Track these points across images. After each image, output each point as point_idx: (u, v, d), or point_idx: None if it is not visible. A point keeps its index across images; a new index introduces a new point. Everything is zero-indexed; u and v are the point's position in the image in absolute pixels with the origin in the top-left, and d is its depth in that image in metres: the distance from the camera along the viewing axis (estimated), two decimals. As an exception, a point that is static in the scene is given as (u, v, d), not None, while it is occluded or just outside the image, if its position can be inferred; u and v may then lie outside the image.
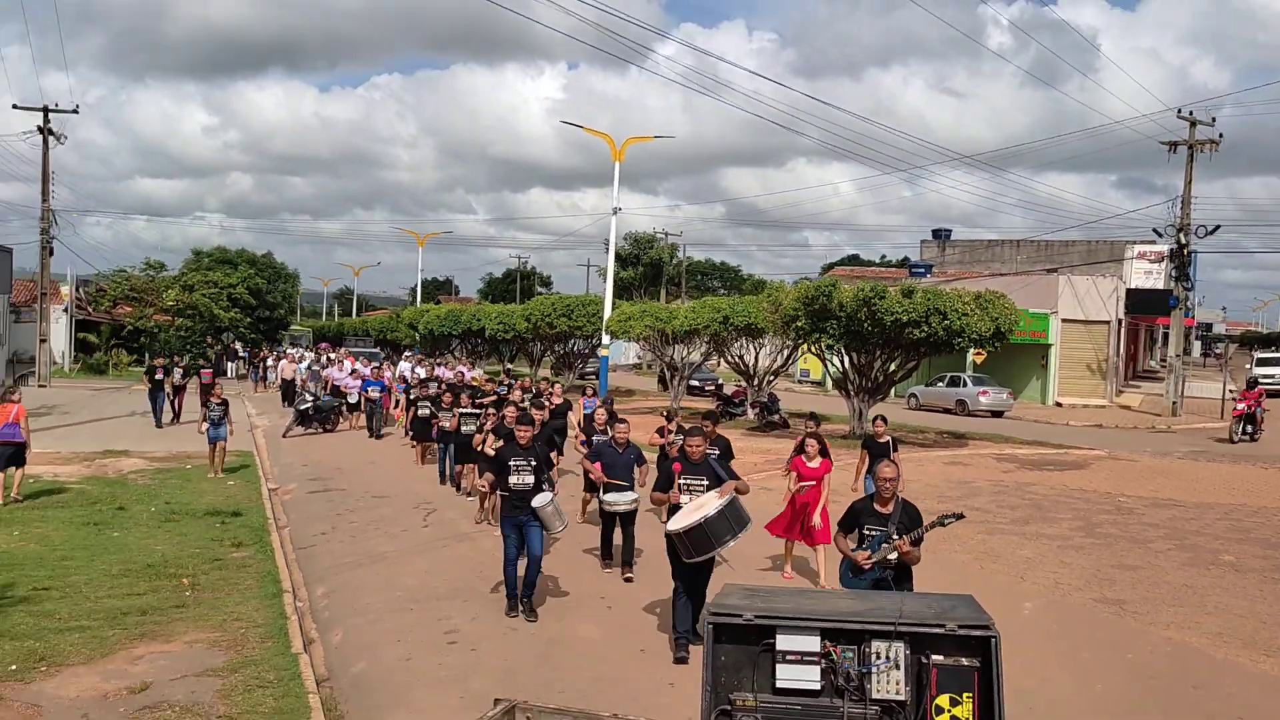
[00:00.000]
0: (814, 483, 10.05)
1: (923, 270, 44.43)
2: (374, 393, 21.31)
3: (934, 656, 3.90)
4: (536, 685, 7.31)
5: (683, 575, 7.81)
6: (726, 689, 4.05)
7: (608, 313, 33.84)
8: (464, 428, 14.48)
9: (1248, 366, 43.40)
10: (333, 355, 34.65)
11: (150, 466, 17.60)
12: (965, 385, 32.18)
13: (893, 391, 25.99)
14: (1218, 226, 31.85)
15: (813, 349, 22.86)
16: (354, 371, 24.14)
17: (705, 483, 7.99)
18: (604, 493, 10.16)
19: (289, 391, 28.54)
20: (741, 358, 26.14)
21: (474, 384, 19.01)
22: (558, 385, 15.84)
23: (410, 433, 18.15)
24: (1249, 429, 24.31)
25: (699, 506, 7.52)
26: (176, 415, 24.37)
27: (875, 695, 3.92)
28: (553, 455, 12.25)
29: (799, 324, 20.95)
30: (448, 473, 15.76)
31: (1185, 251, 32.10)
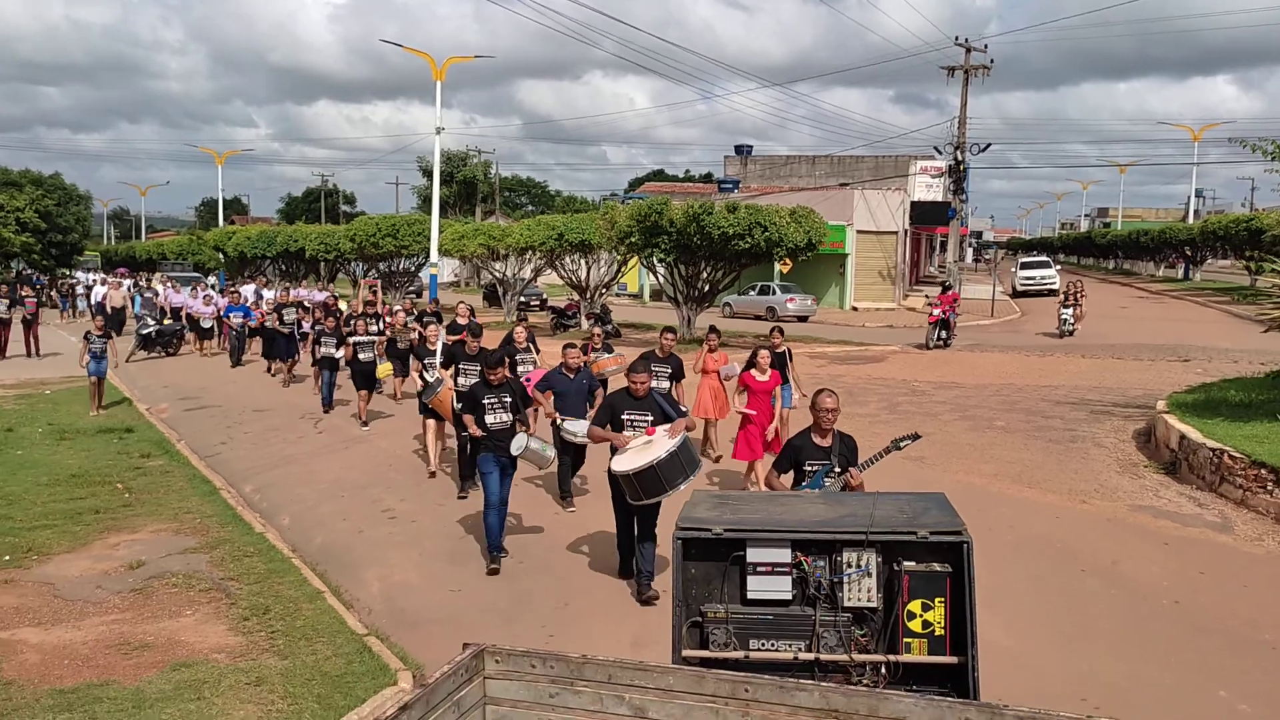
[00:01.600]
0: (765, 396, 10.07)
1: (731, 186, 47.00)
2: (236, 319, 21.29)
3: (905, 563, 3.95)
4: (481, 540, 8.96)
5: (626, 514, 7.55)
6: (697, 601, 4.09)
7: (435, 232, 34.56)
8: (361, 354, 14.23)
9: (1013, 270, 48.71)
10: (146, 281, 33.84)
11: (9, 394, 17.68)
12: (774, 293, 35.01)
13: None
14: (989, 144, 35.81)
15: (644, 262, 24.72)
16: (207, 296, 24.13)
17: (650, 418, 7.58)
18: (562, 421, 9.65)
19: (118, 319, 28.07)
20: (574, 273, 27.75)
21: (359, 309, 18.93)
22: (461, 304, 15.04)
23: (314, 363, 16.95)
24: (943, 335, 24.20)
25: (647, 445, 7.15)
26: (36, 349, 23.44)
27: (847, 603, 3.97)
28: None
29: (633, 239, 22.76)
30: (331, 399, 15.52)
31: (961, 167, 35.89)
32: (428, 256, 37.21)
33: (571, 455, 9.98)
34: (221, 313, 22.40)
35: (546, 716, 3.48)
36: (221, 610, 7.50)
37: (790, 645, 4.01)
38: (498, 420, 8.29)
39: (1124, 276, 61.67)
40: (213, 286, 31.06)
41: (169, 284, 28.62)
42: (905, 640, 3.94)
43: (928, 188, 47.86)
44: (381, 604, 7.70)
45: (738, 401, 10.27)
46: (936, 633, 3.93)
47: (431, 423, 11.43)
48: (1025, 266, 46.99)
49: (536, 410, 10.08)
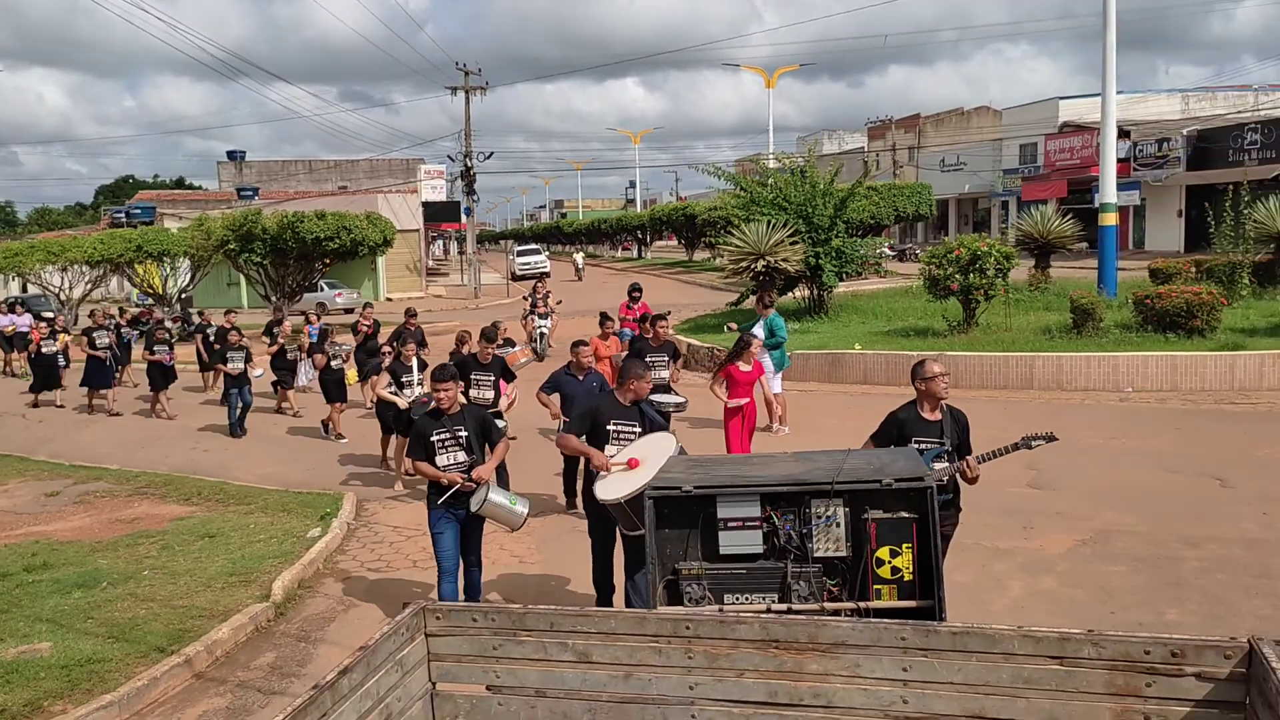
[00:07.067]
0: (749, 388, 9.67)
1: (250, 193, 49.21)
2: None
3: (872, 511, 4.05)
4: (308, 447, 13.13)
5: (606, 545, 6.58)
6: (672, 559, 4.20)
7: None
8: (333, 363, 13.88)
9: (510, 257, 56.71)
10: None
11: None
12: (323, 290, 38.89)
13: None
14: (493, 153, 42.70)
15: (237, 265, 27.72)
16: None
17: (637, 429, 6.54)
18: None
19: None
20: (147, 281, 29.58)
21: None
22: (369, 309, 15.50)
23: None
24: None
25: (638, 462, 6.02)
26: None
27: (817, 554, 4.09)
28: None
29: (230, 246, 25.89)
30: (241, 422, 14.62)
31: (471, 173, 42.47)
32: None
33: (578, 460, 8.74)
34: None
35: (491, 669, 3.50)
36: (161, 501, 10.99)
37: (764, 598, 4.14)
38: (451, 462, 6.63)
39: (592, 259, 73.17)
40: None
41: None
42: (875, 587, 4.07)
43: (433, 189, 54.16)
44: (269, 483, 11.66)
45: (719, 392, 9.67)
46: (905, 578, 4.05)
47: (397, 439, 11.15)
48: (521, 254, 55.22)
49: (510, 402, 10.12)
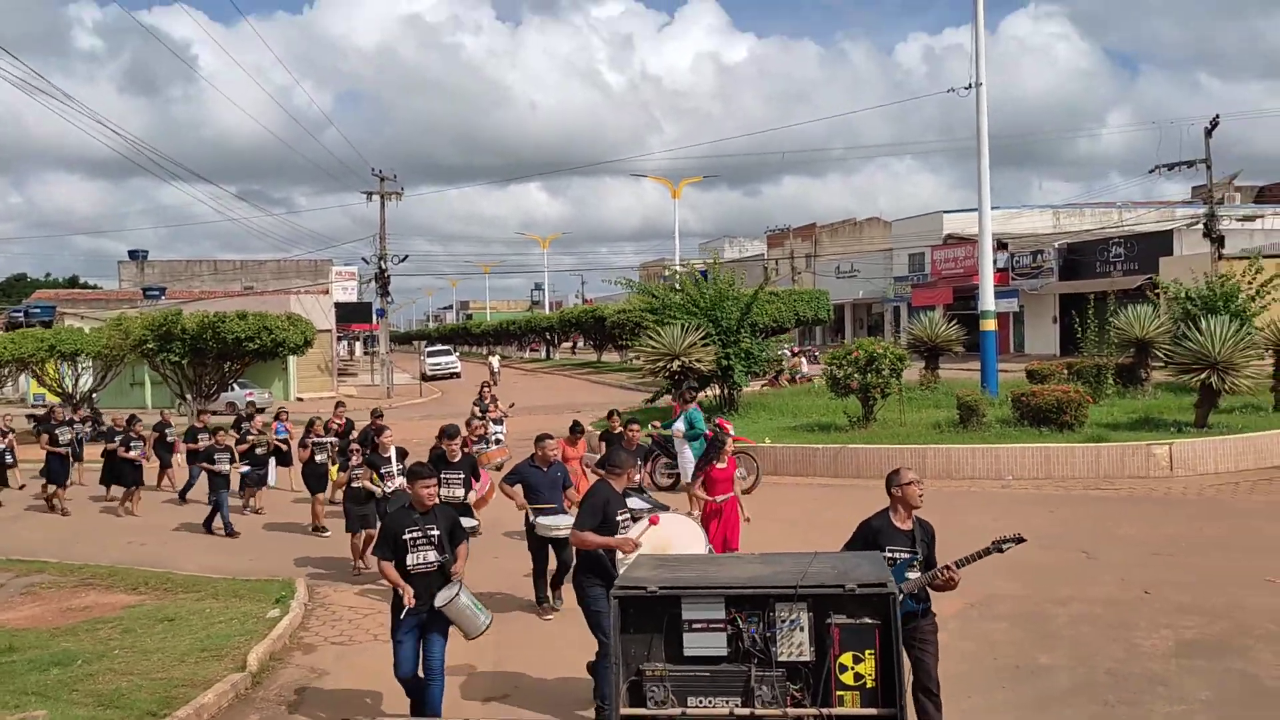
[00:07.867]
0: (728, 484, 9.58)
1: (157, 293, 49.03)
2: None
3: (836, 616, 4.07)
4: (247, 543, 13.58)
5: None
6: (636, 660, 4.20)
7: None
8: (317, 457, 14.22)
9: (421, 358, 57.19)
10: None
11: None
12: (233, 389, 38.82)
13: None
14: (407, 256, 43.63)
15: (153, 364, 27.79)
16: None
17: (628, 516, 6.80)
18: (536, 517, 9.10)
19: None
20: (59, 380, 29.37)
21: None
22: (341, 408, 15.68)
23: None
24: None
25: (661, 540, 6.30)
26: None
27: (781, 658, 4.09)
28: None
29: (148, 345, 26.06)
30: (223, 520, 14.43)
31: (385, 275, 43.25)
32: None
33: (548, 553, 9.33)
34: None
35: None
36: (108, 590, 11.29)
37: (726, 701, 4.11)
38: (421, 561, 6.49)
39: (502, 360, 74.14)
40: None
41: None
42: (838, 693, 4.07)
43: (344, 290, 54.63)
44: (214, 573, 12.13)
45: (700, 494, 9.63)
46: (868, 685, 4.07)
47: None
48: (432, 354, 55.79)
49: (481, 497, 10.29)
